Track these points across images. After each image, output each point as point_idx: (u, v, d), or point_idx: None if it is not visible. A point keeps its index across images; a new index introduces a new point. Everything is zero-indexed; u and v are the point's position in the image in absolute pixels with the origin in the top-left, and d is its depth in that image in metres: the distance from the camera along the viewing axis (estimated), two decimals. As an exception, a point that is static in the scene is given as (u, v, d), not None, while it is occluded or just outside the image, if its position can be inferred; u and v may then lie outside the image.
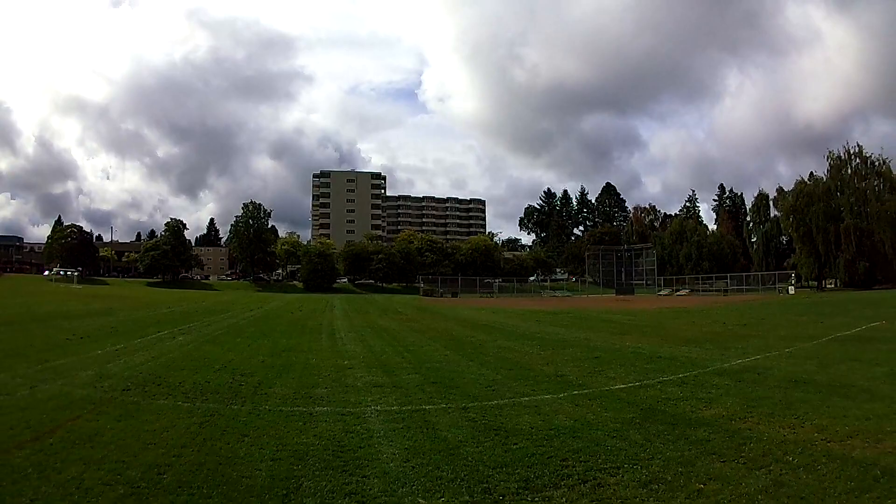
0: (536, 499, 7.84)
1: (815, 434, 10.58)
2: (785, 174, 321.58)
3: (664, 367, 19.25)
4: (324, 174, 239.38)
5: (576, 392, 15.21)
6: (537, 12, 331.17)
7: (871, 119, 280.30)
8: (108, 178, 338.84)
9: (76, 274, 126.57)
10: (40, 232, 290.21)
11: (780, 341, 25.43)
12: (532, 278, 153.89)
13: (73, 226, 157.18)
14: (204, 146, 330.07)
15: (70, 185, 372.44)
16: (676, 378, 17.02)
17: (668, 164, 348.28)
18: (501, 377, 17.54)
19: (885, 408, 12.40)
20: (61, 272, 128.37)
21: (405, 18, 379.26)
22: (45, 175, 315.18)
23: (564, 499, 7.80)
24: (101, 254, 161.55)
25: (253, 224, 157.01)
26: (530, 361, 20.84)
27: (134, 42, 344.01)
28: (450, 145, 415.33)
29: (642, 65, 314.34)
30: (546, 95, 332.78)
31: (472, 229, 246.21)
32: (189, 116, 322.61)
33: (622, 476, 8.53)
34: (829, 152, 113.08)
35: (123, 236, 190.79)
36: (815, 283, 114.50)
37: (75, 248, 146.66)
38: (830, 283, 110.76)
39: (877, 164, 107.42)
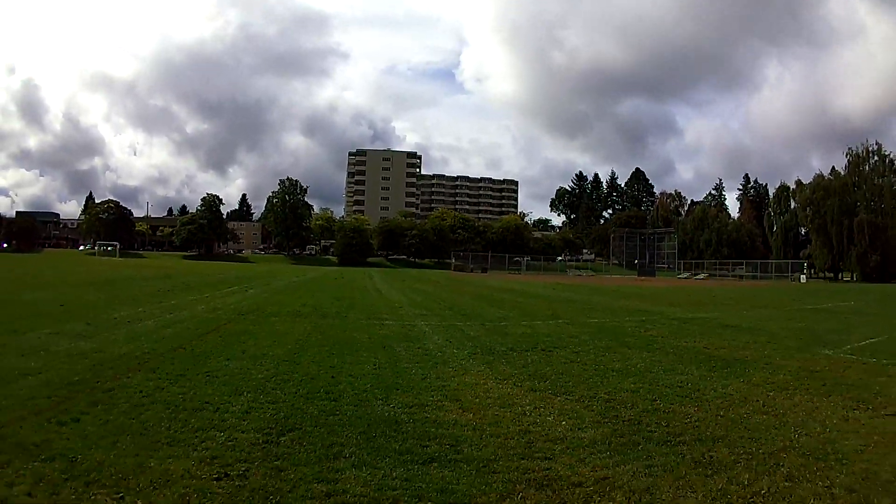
0: (517, 354, 14.17)
1: (698, 343, 17.33)
2: (818, 167, 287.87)
3: (637, 314, 26.16)
4: (359, 152, 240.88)
5: (561, 321, 22.16)
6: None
7: None
8: (135, 154, 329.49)
9: (118, 247, 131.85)
10: (68, 208, 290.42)
11: (745, 308, 31.68)
12: (560, 258, 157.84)
13: (111, 201, 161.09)
14: (234, 122, 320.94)
15: (97, 162, 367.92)
16: (639, 319, 23.80)
17: (702, 152, 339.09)
18: (512, 315, 24.31)
19: (754, 337, 19.22)
20: (103, 246, 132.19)
21: None
22: (73, 151, 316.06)
23: (534, 355, 14.10)
24: (137, 228, 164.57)
25: (289, 200, 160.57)
26: (536, 309, 27.62)
27: (162, 18, 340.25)
28: (485, 125, 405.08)
29: (682, 51, 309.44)
30: (584, 78, 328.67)
31: (504, 209, 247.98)
32: (219, 92, 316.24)
33: (564, 349, 15.09)
34: (849, 149, 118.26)
35: (152, 211, 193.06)
36: (831, 274, 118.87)
37: (113, 222, 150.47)
38: (847, 276, 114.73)
39: (895, 162, 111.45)
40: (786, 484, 6.45)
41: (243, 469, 6.12)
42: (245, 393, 9.35)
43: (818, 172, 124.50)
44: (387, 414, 8.46)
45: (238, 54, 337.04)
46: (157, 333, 15.66)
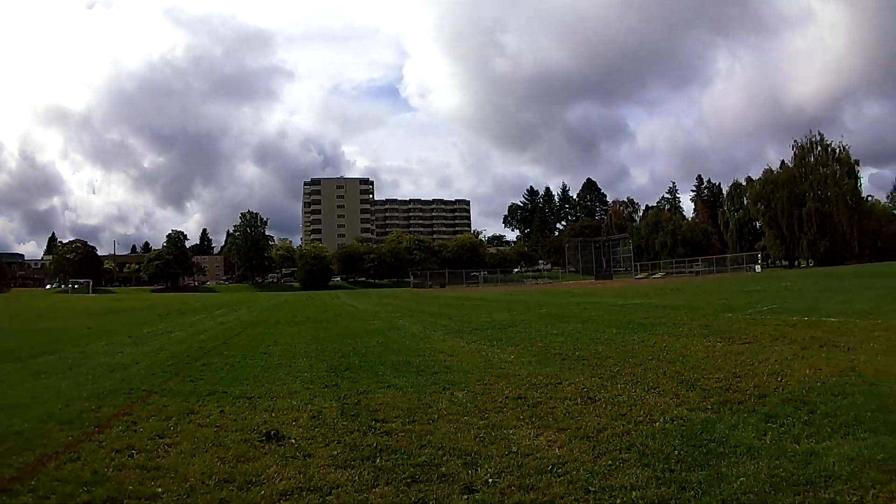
0: (479, 331, 18.51)
1: (626, 317, 22.00)
2: (774, 160, 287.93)
3: (582, 304, 30.83)
4: (314, 181, 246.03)
5: (514, 313, 26.64)
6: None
7: (861, 101, 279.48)
8: (94, 192, 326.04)
9: (90, 284, 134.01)
10: (27, 249, 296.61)
11: (685, 295, 35.64)
12: (516, 270, 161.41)
13: (78, 241, 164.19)
14: (188, 154, 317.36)
15: (56, 200, 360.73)
16: (582, 307, 28.65)
17: (657, 154, 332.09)
18: (473, 312, 28.69)
19: (676, 311, 24.38)
20: (74, 284, 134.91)
21: (382, 7, 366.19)
22: (30, 190, 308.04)
23: (492, 331, 18.49)
24: (104, 266, 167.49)
25: (251, 232, 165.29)
26: (493, 308, 32.19)
27: (111, 44, 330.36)
28: (434, 143, 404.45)
29: (628, 48, 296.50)
30: (529, 85, 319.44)
31: (457, 228, 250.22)
32: (171, 122, 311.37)
33: (515, 328, 19.68)
34: (795, 141, 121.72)
35: (112, 249, 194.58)
36: (786, 262, 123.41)
37: (80, 262, 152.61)
38: (804, 263, 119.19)
39: (837, 150, 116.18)
40: (642, 369, 10.77)
41: (333, 383, 10.46)
42: (300, 358, 13.82)
43: (767, 167, 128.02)
44: (400, 359, 13.02)
45: (187, 79, 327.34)
46: (194, 338, 19.74)
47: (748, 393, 8.45)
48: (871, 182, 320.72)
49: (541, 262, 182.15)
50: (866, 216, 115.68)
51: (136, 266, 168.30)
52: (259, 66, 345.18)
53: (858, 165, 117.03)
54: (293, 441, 6.67)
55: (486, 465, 5.78)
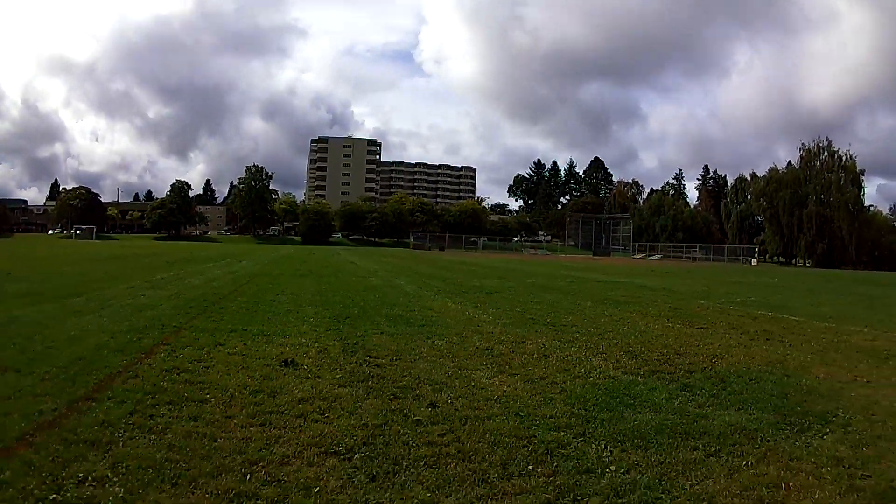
0: (468, 294, 20.21)
1: (606, 294, 24.18)
2: (782, 159, 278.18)
3: (571, 278, 32.67)
4: (321, 139, 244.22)
5: (504, 280, 28.66)
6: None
7: (876, 111, 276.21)
8: (97, 140, 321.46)
9: (94, 230, 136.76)
10: (28, 195, 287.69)
11: (673, 278, 37.53)
12: (515, 239, 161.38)
13: (82, 188, 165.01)
14: (194, 106, 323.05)
15: (58, 148, 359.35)
16: (570, 280, 30.60)
17: (667, 140, 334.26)
18: (465, 276, 30.70)
19: (655, 292, 26.94)
20: (77, 230, 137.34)
21: None
22: (32, 138, 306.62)
23: (479, 295, 20.10)
24: (108, 213, 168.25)
25: (256, 185, 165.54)
26: (486, 274, 33.97)
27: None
28: (445, 110, 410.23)
29: (649, 33, 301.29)
30: (546, 61, 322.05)
31: (461, 195, 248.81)
32: (178, 75, 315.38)
33: (501, 293, 21.69)
34: (802, 144, 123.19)
35: (115, 197, 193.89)
36: (784, 259, 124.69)
37: (83, 208, 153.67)
38: (801, 262, 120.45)
39: (843, 158, 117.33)
40: (598, 338, 12.46)
41: (335, 327, 12.38)
42: (306, 306, 15.70)
43: (773, 166, 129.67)
44: (395, 312, 14.99)
45: (196, 33, 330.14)
46: (208, 285, 21.27)
47: (680, 367, 9.91)
48: (878, 192, 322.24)
49: (541, 233, 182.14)
50: (866, 225, 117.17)
51: (139, 214, 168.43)
52: (272, 23, 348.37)
53: (863, 175, 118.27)
54: (305, 367, 8.60)
55: (449, 392, 7.68)
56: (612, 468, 5.53)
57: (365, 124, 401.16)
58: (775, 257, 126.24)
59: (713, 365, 10.28)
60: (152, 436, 5.63)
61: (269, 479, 4.78)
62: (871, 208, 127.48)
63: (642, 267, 61.80)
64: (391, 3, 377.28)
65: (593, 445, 6.09)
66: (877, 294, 29.03)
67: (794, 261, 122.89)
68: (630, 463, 5.70)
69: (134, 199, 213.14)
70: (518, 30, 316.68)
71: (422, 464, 5.26)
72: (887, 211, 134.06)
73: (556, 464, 5.55)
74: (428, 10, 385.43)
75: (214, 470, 4.89)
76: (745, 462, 5.85)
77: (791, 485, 5.36)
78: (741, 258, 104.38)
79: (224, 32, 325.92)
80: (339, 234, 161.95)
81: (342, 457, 5.29)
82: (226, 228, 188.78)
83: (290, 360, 8.93)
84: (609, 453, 5.89)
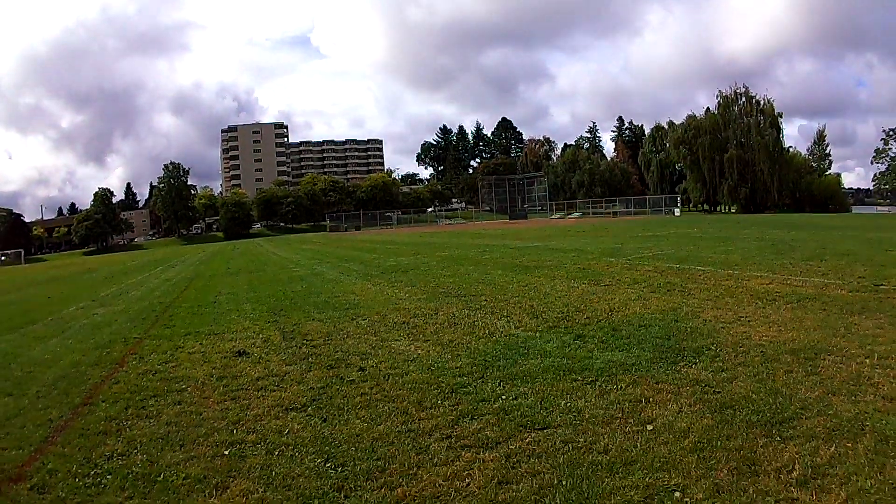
0: (385, 275, 21.71)
1: (516, 260, 26.02)
2: (702, 106, 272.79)
3: (483, 248, 33.74)
4: (231, 129, 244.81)
5: (419, 256, 29.86)
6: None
7: (794, 58, 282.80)
8: (10, 158, 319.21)
9: (21, 254, 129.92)
10: None
11: (586, 238, 38.66)
12: (430, 209, 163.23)
13: (2, 209, 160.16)
14: (106, 111, 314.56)
15: None
16: (482, 250, 31.76)
17: (578, 95, 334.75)
18: (382, 256, 32.09)
19: (565, 254, 28.76)
20: (1, 256, 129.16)
21: None
22: None
23: (396, 274, 21.53)
24: (34, 233, 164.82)
25: (174, 183, 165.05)
26: (401, 251, 35.12)
27: (22, 9, 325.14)
28: (346, 87, 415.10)
29: None
30: (444, 32, 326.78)
31: (371, 167, 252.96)
32: (87, 81, 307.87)
33: (416, 270, 23.13)
34: (719, 91, 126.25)
35: (39, 214, 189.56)
36: (708, 206, 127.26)
37: (7, 231, 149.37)
38: (725, 208, 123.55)
39: (761, 102, 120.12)
40: (504, 303, 13.97)
41: (273, 319, 14.00)
42: (244, 304, 17.31)
43: (691, 113, 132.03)
44: (322, 300, 16.59)
45: (101, 39, 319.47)
46: (151, 295, 22.50)
47: (577, 322, 11.25)
48: (799, 132, 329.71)
49: (454, 200, 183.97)
50: (786, 166, 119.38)
51: (66, 229, 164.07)
52: (172, 21, 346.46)
53: (782, 117, 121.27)
54: (255, 355, 10.32)
55: (374, 359, 9.41)
56: (504, 397, 7.24)
57: (270, 109, 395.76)
58: (700, 205, 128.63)
59: (609, 317, 11.55)
60: (150, 420, 7.33)
61: (249, 430, 6.64)
62: (791, 149, 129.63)
63: (558, 227, 62.97)
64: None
65: (489, 384, 7.77)
66: (787, 238, 29.66)
67: (718, 207, 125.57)
68: (518, 392, 7.36)
69: (59, 214, 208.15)
70: (413, 5, 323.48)
71: (358, 407, 7.16)
72: (805, 151, 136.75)
73: (459, 398, 7.31)
74: None
75: (208, 432, 6.70)
76: (616, 387, 7.36)
77: (651, 399, 6.87)
78: (664, 209, 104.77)
79: (128, 35, 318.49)
80: (259, 225, 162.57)
81: (299, 410, 7.19)
82: (151, 233, 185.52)
83: (241, 350, 10.63)
84: (502, 388, 7.57)
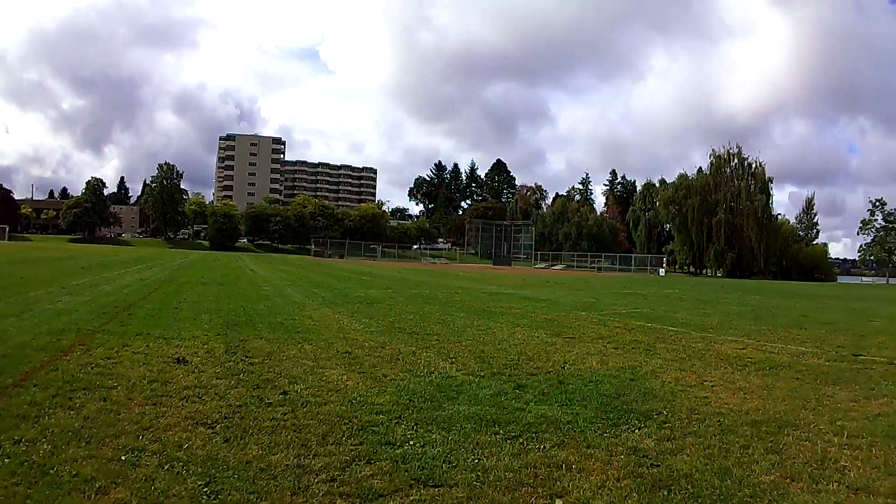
0: (350, 305, 21.88)
1: (485, 305, 25.62)
2: (698, 163, 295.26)
3: (456, 289, 33.72)
4: (229, 137, 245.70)
5: (390, 291, 29.99)
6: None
7: (790, 118, 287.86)
8: (7, 132, 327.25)
9: (6, 230, 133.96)
10: None
11: (565, 289, 38.80)
12: (415, 246, 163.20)
13: None
14: (109, 99, 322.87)
15: None
16: (454, 291, 31.75)
17: (577, 141, 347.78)
18: (354, 286, 32.20)
19: (538, 303, 28.02)
20: None
21: None
22: None
23: (360, 305, 21.67)
24: (21, 211, 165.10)
25: (167, 185, 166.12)
26: (375, 283, 35.54)
27: None
28: (349, 108, 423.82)
29: (561, 32, 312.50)
30: (452, 60, 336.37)
31: (363, 196, 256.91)
32: (93, 66, 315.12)
33: (382, 304, 23.21)
34: (713, 150, 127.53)
35: (29, 194, 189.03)
36: (693, 268, 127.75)
37: None
38: (711, 271, 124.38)
39: (753, 165, 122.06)
40: (454, 345, 13.73)
41: (224, 333, 14.04)
42: (203, 314, 17.28)
43: (682, 172, 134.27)
44: (278, 320, 16.58)
45: (112, 24, 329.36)
46: (120, 292, 22.43)
47: (524, 371, 10.91)
48: (790, 200, 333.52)
49: (440, 240, 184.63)
50: (774, 233, 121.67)
51: (55, 213, 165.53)
52: (184, 16, 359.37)
53: (772, 183, 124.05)
54: (193, 364, 10.34)
55: (301, 384, 9.17)
56: (411, 442, 6.83)
57: (271, 121, 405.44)
58: (686, 267, 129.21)
59: (560, 370, 11.18)
60: (71, 412, 7.41)
61: (154, 439, 6.64)
62: (780, 216, 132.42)
63: (539, 277, 63.27)
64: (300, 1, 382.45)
65: (403, 426, 7.41)
66: (769, 304, 29.94)
67: (704, 270, 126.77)
68: (428, 440, 6.93)
69: (49, 197, 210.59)
70: (424, 29, 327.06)
71: (263, 432, 7.03)
72: (793, 219, 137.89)
73: (364, 437, 6.96)
74: (336, 7, 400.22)
75: (117, 433, 6.75)
76: (539, 446, 6.82)
77: (574, 466, 6.20)
78: (649, 268, 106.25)
79: (139, 24, 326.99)
80: (245, 239, 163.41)
81: (208, 426, 7.13)
82: (139, 231, 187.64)
83: (181, 358, 10.71)
84: (413, 432, 7.17)
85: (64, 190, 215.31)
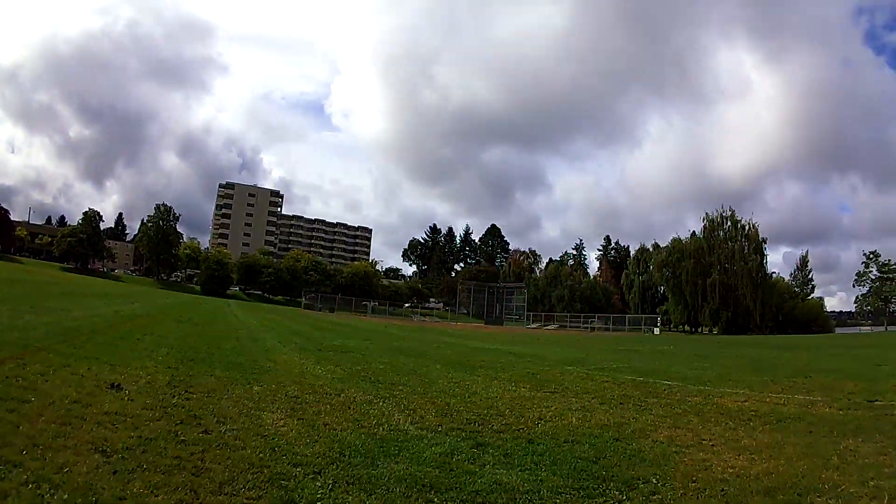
0: (321, 352, 21.48)
1: (465, 359, 24.16)
2: (692, 229, 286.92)
3: (441, 343, 32.94)
4: (229, 185, 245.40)
5: (369, 342, 29.08)
6: (457, 28, 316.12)
7: (784, 181, 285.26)
8: (12, 152, 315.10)
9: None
10: None
11: (555, 347, 37.32)
12: (407, 305, 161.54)
13: None
14: (114, 132, 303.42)
15: None
16: (438, 345, 30.89)
17: (572, 208, 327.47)
18: (332, 337, 30.93)
19: (523, 359, 25.67)
20: None
21: (322, 23, 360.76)
22: None
23: (332, 353, 21.20)
24: (16, 233, 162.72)
25: (163, 226, 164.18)
26: (356, 335, 34.48)
27: (50, 4, 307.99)
28: (349, 166, 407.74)
29: (560, 97, 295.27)
30: (453, 120, 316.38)
31: (357, 255, 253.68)
32: (101, 95, 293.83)
33: (356, 353, 22.80)
34: (706, 214, 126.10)
35: (26, 216, 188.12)
36: (688, 328, 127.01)
37: None
38: (706, 330, 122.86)
39: (746, 227, 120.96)
40: (419, 397, 12.81)
41: (175, 367, 13.45)
42: (162, 348, 16.61)
43: (675, 236, 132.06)
44: (237, 361, 16.03)
45: (124, 55, 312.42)
46: (88, 319, 22.62)
47: (490, 427, 9.95)
48: (784, 260, 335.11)
49: (432, 300, 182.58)
50: (769, 291, 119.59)
51: (49, 239, 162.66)
52: (196, 55, 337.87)
53: (766, 243, 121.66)
54: (127, 391, 9.82)
55: (229, 425, 8.58)
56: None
57: (272, 173, 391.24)
58: (680, 326, 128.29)
59: (533, 427, 10.14)
60: None
61: (39, 457, 6.09)
62: (774, 274, 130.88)
63: (529, 335, 62.02)
64: (310, 50, 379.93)
65: (318, 482, 6.51)
66: (769, 356, 29.10)
67: (699, 329, 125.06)
68: (341, 503, 6.01)
69: (46, 223, 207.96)
70: (427, 88, 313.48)
71: (158, 470, 6.29)
72: (788, 277, 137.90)
73: (268, 491, 6.10)
74: (343, 61, 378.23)
75: (8, 446, 6.26)
76: None
77: None
78: (643, 328, 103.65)
79: (150, 58, 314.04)
80: (237, 288, 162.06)
81: (105, 454, 6.52)
82: (132, 268, 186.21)
83: (117, 384, 10.19)
84: (329, 492, 6.22)
85: (62, 218, 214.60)
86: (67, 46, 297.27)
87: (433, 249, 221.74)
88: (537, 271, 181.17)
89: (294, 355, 19.04)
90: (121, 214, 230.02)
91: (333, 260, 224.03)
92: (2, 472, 5.48)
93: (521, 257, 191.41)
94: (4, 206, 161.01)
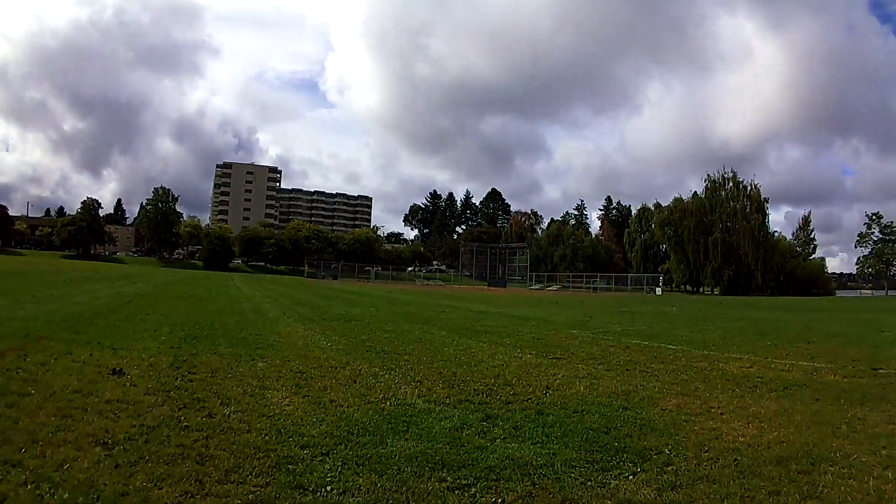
0: (325, 322, 21.15)
1: (469, 324, 24.19)
2: (694, 188, 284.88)
3: (444, 307, 33.12)
4: (226, 165, 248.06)
5: (374, 309, 29.39)
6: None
7: (784, 144, 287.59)
8: (6, 150, 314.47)
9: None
10: None
11: (558, 308, 37.70)
12: (410, 269, 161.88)
13: None
14: (108, 122, 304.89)
15: None
16: (441, 310, 30.88)
17: (572, 172, 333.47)
18: (336, 306, 30.85)
19: (526, 322, 26.24)
20: None
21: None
22: None
23: (336, 323, 20.96)
24: (16, 227, 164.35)
25: (162, 207, 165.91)
26: (360, 303, 34.69)
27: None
28: (346, 140, 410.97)
29: (557, 66, 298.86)
30: (449, 92, 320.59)
31: (357, 223, 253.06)
32: (93, 87, 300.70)
33: (361, 321, 22.34)
34: (707, 175, 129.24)
35: (24, 211, 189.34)
36: (690, 287, 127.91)
37: None
38: (708, 289, 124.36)
39: (748, 187, 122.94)
40: (425, 366, 12.55)
41: (178, 346, 13.35)
42: (165, 327, 16.64)
43: (678, 195, 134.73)
44: (242, 335, 15.95)
45: (113, 44, 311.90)
46: (90, 303, 22.63)
47: (497, 398, 9.60)
48: (786, 219, 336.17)
49: (435, 263, 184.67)
50: (771, 250, 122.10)
51: (49, 230, 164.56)
52: (186, 39, 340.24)
53: (768, 202, 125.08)
54: (129, 376, 9.63)
55: (233, 407, 8.29)
56: (328, 488, 5.60)
57: (269, 151, 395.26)
58: (682, 286, 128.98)
59: (542, 396, 9.87)
60: None
61: (38, 454, 5.90)
62: (776, 234, 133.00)
63: (532, 297, 62.50)
64: (301, 29, 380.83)
65: (327, 464, 6.21)
66: (772, 318, 29.08)
67: (701, 289, 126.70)
68: (353, 485, 5.68)
69: (45, 215, 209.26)
70: (421, 60, 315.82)
71: (161, 461, 5.99)
72: (790, 236, 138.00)
73: (275, 477, 5.80)
74: (335, 38, 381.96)
75: (1, 442, 6.18)
76: (498, 499, 5.49)
77: None
78: (645, 287, 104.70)
79: (140, 45, 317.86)
80: (239, 260, 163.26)
81: (106, 447, 6.27)
82: (134, 250, 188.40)
83: (119, 369, 10.02)
84: (337, 474, 5.93)
85: (61, 209, 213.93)
86: (55, 40, 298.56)
87: (434, 213, 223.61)
88: (539, 231, 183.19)
89: (298, 326, 19.01)
90: (120, 200, 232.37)
91: (335, 229, 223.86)
92: (8, 475, 5.34)
93: (523, 218, 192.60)
94: (2, 203, 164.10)
